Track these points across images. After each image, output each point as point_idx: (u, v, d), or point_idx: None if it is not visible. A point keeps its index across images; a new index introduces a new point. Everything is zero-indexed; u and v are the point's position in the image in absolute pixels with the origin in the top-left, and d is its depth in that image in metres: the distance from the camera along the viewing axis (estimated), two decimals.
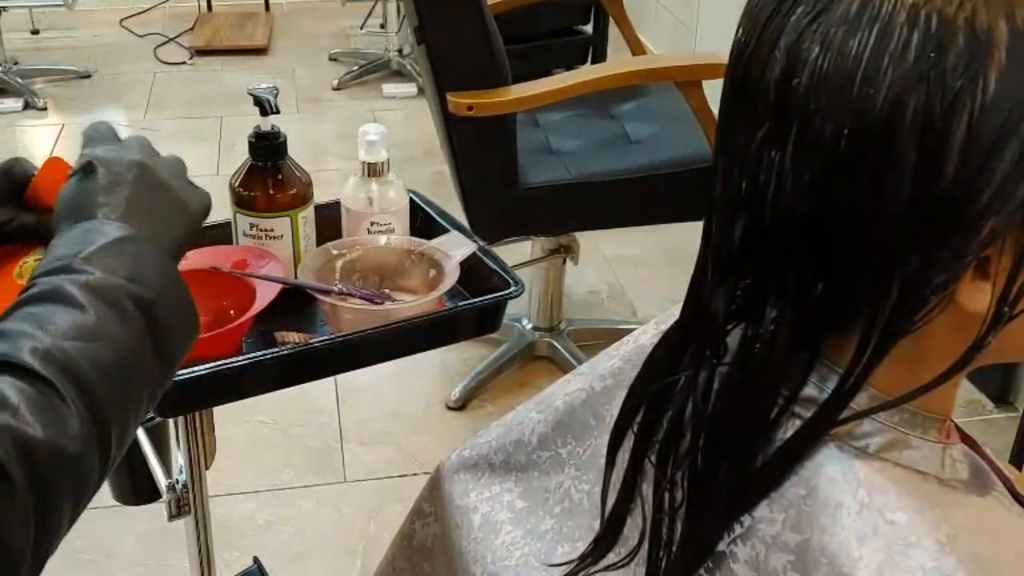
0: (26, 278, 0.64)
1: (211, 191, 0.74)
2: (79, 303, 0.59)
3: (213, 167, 3.40)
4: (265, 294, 1.08)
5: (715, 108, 2.06)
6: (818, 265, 0.54)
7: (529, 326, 2.51)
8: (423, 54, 2.01)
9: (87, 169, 0.67)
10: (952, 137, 0.49)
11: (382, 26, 4.44)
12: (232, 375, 1.04)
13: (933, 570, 0.52)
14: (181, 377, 1.00)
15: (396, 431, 2.30)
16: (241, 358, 1.05)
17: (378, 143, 1.20)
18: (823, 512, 0.56)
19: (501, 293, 1.15)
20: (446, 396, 2.37)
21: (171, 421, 1.31)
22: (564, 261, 2.44)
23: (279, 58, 4.41)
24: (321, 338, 1.11)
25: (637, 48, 2.62)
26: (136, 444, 1.34)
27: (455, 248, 1.17)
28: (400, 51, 4.18)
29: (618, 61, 2.90)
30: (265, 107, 1.16)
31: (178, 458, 1.27)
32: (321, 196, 1.23)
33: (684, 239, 2.82)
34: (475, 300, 1.16)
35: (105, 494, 1.30)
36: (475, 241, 1.20)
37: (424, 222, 1.28)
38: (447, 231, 1.23)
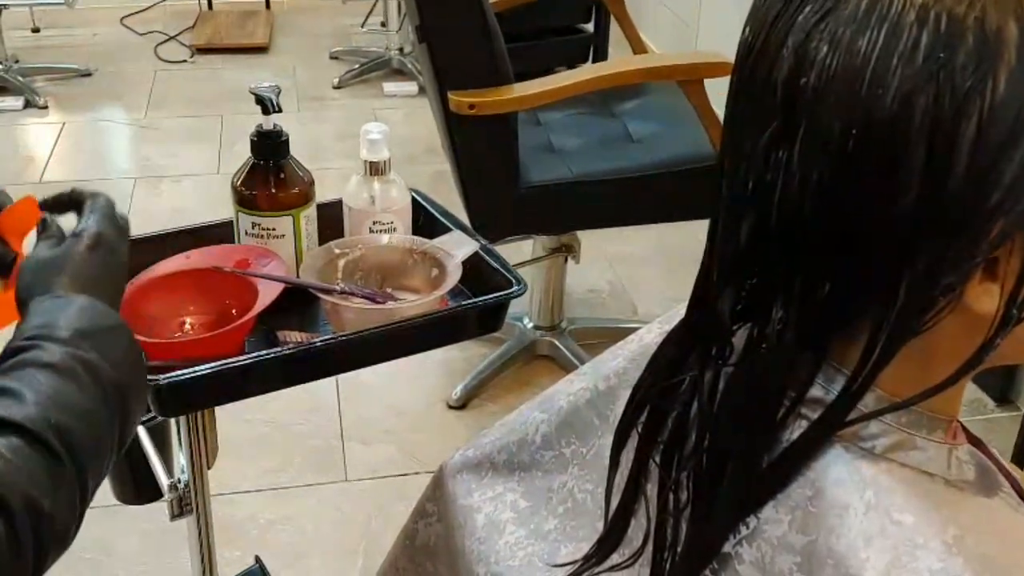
0: None
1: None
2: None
3: (213, 166, 3.38)
4: (267, 293, 1.08)
5: (717, 107, 2.06)
6: (825, 265, 0.54)
7: (530, 325, 2.51)
8: (424, 52, 2.01)
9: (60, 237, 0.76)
10: (961, 137, 0.49)
11: (383, 24, 4.44)
12: (234, 375, 1.04)
13: (940, 571, 0.52)
14: (183, 377, 1.00)
15: (397, 430, 2.30)
16: (243, 357, 1.04)
17: (380, 142, 1.20)
18: (830, 513, 0.56)
19: (503, 292, 1.15)
20: (447, 395, 2.37)
21: (173, 420, 1.31)
22: (565, 260, 2.44)
23: (280, 56, 4.41)
24: (323, 337, 1.10)
25: (638, 46, 2.62)
26: (138, 443, 1.34)
27: (457, 247, 1.17)
28: (401, 49, 4.17)
29: (620, 60, 2.89)
30: (267, 106, 1.16)
31: (180, 457, 1.27)
32: (321, 195, 1.22)
33: (686, 238, 2.83)
34: (477, 299, 1.16)
35: (107, 493, 1.30)
36: (477, 240, 1.19)
37: (426, 221, 1.27)
38: (449, 230, 1.23)
